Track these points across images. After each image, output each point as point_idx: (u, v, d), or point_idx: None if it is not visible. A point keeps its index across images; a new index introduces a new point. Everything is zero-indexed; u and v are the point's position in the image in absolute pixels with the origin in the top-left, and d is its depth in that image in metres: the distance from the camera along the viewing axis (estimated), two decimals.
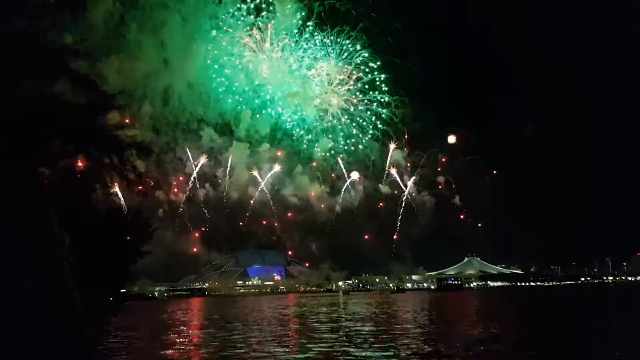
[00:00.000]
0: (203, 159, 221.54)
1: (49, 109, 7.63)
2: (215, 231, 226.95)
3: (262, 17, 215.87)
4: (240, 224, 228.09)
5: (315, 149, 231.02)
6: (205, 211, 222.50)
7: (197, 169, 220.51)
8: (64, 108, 7.73)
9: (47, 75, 7.58)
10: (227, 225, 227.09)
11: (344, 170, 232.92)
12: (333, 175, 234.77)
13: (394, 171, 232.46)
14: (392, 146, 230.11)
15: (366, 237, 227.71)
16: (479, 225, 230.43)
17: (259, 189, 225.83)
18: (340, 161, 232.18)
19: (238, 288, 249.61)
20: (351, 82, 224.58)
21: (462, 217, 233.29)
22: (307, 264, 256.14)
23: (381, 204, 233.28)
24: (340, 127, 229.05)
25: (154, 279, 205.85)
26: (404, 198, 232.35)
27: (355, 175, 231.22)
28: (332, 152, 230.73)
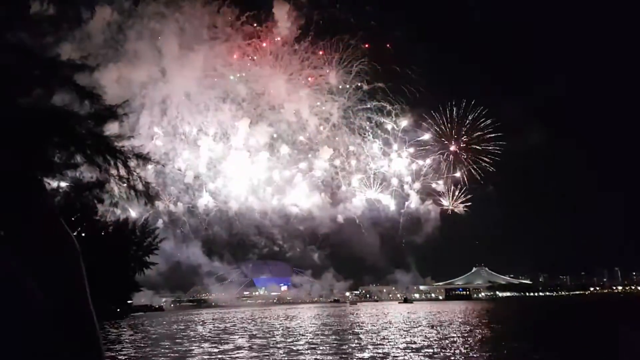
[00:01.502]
0: (202, 169, 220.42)
1: (54, 119, 7.61)
2: (216, 242, 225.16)
3: (261, 26, 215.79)
4: (240, 233, 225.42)
5: (316, 158, 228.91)
6: (206, 221, 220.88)
7: (197, 180, 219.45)
8: (70, 118, 7.72)
9: (53, 87, 7.57)
10: (228, 235, 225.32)
11: (345, 180, 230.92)
12: (334, 184, 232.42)
13: (395, 180, 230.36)
14: (393, 155, 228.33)
15: (369, 246, 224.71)
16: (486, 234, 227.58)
17: (259, 199, 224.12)
18: (340, 170, 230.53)
19: (245, 299, 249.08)
20: (351, 91, 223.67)
21: (468, 226, 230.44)
22: (310, 274, 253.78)
23: (384, 214, 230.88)
24: (340, 135, 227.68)
25: (159, 290, 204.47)
26: (407, 207, 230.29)
27: (356, 184, 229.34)
28: (333, 161, 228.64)
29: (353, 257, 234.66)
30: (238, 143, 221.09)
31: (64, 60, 6.20)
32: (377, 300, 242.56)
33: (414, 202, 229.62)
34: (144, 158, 8.77)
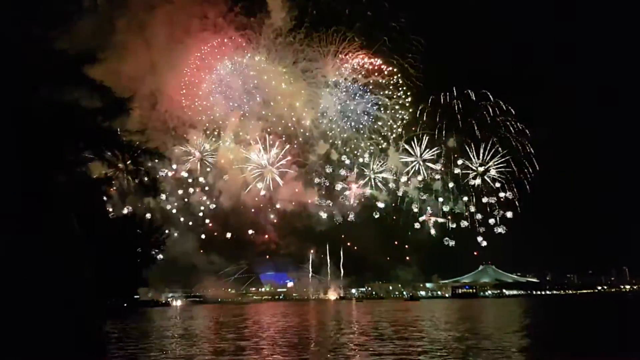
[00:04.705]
0: (194, 165, 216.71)
1: (66, 114, 7.74)
2: (213, 238, 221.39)
3: (255, 17, 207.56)
4: (231, 233, 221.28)
5: (311, 153, 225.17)
6: (201, 218, 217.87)
7: (189, 175, 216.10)
8: (80, 114, 7.83)
9: (64, 82, 7.69)
10: (224, 231, 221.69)
11: (342, 175, 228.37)
12: (330, 180, 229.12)
13: (394, 176, 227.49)
14: (392, 149, 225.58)
15: (368, 243, 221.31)
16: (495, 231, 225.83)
17: (253, 195, 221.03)
18: (338, 165, 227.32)
19: (251, 295, 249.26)
20: (348, 84, 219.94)
21: (472, 223, 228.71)
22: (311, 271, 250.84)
23: (383, 210, 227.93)
24: (338, 130, 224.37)
25: (157, 286, 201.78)
26: (406, 204, 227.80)
27: (353, 179, 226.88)
28: (330, 156, 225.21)
29: (352, 254, 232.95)
30: (230, 137, 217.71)
31: (74, 53, 6.38)
32: (383, 298, 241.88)
33: (412, 198, 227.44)
34: (152, 153, 8.91)
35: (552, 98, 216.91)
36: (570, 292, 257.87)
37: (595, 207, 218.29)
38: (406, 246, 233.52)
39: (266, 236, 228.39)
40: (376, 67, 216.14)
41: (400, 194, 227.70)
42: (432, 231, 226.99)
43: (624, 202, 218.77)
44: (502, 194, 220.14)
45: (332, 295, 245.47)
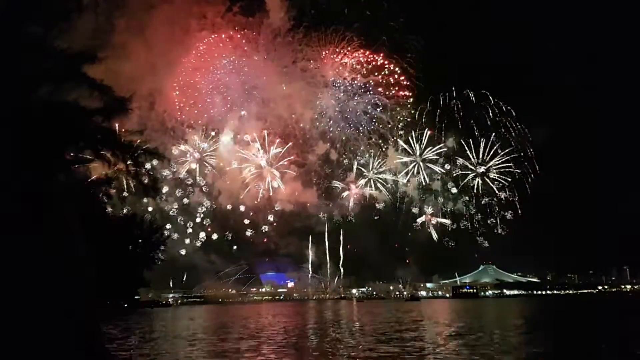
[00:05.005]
0: (192, 165, 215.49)
1: (65, 114, 7.70)
2: (212, 238, 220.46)
3: (253, 17, 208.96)
4: (230, 233, 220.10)
5: (310, 153, 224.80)
6: (201, 218, 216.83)
7: (188, 176, 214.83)
8: (80, 113, 7.79)
9: (64, 81, 7.64)
10: (223, 232, 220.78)
11: (341, 175, 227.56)
12: (329, 180, 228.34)
13: (394, 176, 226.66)
14: (391, 149, 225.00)
15: (368, 243, 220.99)
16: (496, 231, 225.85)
17: (253, 195, 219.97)
18: (337, 165, 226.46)
19: (252, 295, 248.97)
20: (347, 84, 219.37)
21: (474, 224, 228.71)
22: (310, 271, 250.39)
23: (382, 211, 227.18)
24: (337, 130, 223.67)
25: (158, 287, 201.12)
26: (407, 204, 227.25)
27: (352, 179, 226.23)
28: (329, 156, 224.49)
29: (352, 254, 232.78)
30: (229, 138, 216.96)
31: (73, 52, 6.29)
32: (383, 298, 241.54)
33: (412, 199, 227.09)
34: (152, 153, 8.84)
35: (552, 98, 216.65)
36: (570, 291, 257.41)
37: (595, 207, 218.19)
38: (406, 249, 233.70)
39: (265, 240, 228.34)
40: (375, 67, 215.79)
41: (399, 194, 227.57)
42: (433, 232, 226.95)
43: (624, 201, 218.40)
44: (502, 195, 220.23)
45: (330, 295, 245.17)
